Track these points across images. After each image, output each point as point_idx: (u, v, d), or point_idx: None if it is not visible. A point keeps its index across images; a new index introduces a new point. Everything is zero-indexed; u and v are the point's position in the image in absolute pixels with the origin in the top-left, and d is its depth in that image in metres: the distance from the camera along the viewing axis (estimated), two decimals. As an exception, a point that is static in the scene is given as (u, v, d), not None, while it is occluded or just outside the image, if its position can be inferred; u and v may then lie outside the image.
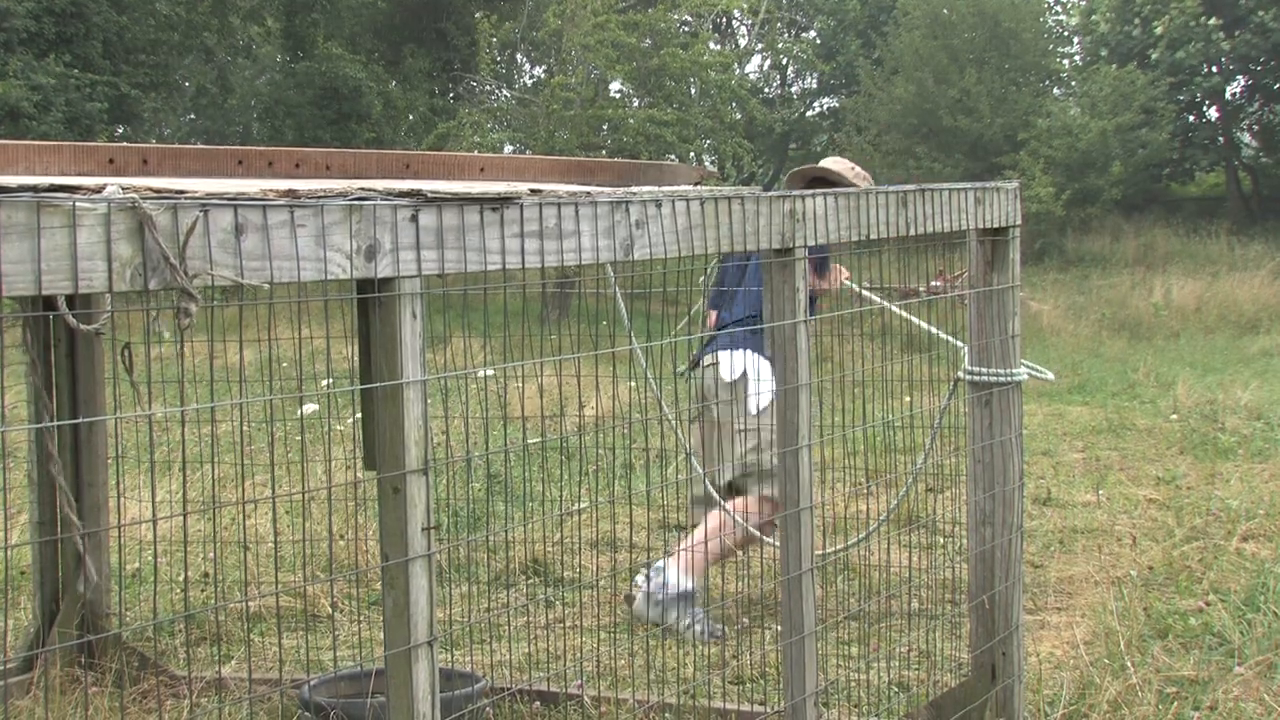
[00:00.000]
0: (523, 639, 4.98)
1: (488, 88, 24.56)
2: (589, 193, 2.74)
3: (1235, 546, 6.09)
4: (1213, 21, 25.96)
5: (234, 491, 6.48)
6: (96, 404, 4.51)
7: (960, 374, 4.08)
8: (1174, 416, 10.08)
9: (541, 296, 15.07)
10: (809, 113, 34.20)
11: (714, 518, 5.32)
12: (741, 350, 5.43)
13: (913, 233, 3.61)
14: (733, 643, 5.03)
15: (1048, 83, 27.98)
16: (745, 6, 25.19)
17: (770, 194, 3.13)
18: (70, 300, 3.90)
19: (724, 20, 31.20)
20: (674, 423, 5.57)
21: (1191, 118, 28.35)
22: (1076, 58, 29.62)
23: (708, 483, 5.26)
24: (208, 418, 6.25)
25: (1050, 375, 4.31)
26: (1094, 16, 28.02)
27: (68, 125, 18.69)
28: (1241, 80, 28.27)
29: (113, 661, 4.44)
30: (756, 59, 31.99)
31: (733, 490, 5.43)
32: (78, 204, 1.89)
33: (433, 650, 2.35)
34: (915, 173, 24.82)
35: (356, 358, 2.42)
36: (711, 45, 24.95)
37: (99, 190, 1.93)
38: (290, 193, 2.15)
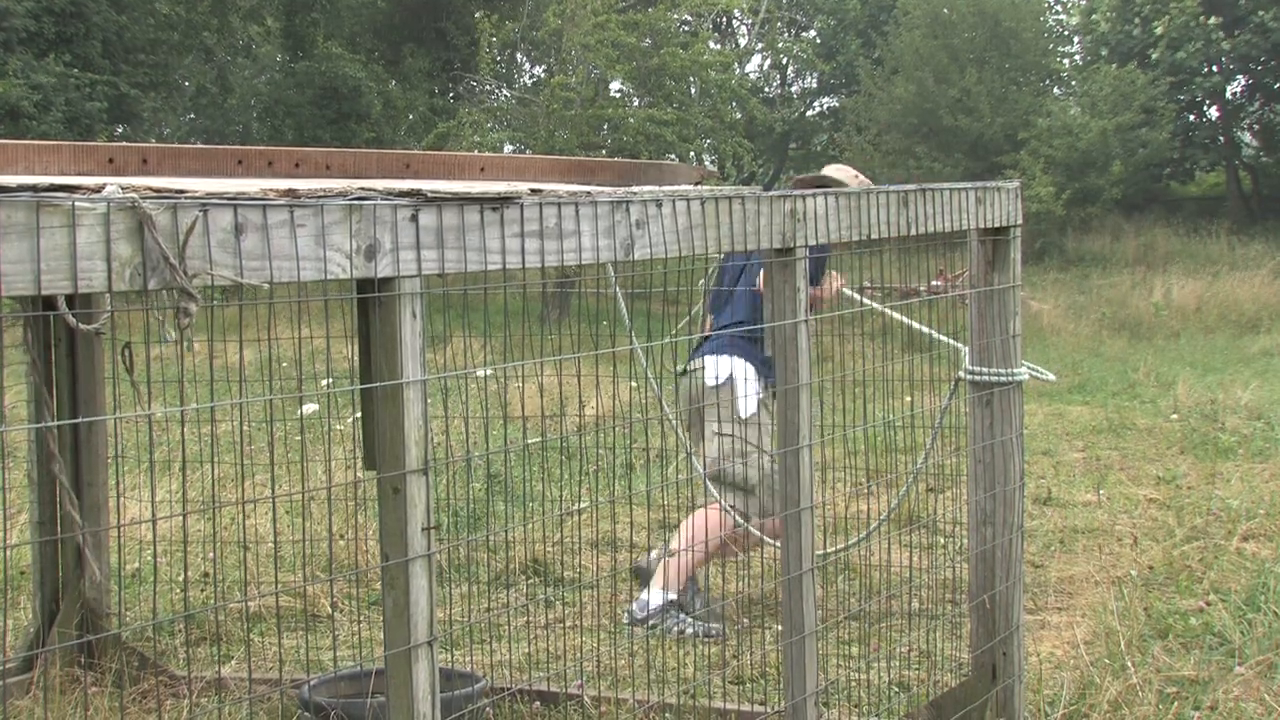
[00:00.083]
0: (523, 639, 4.98)
1: (488, 87, 24.55)
2: (589, 192, 2.74)
3: (1236, 546, 6.09)
4: (1213, 21, 25.94)
5: (234, 491, 6.48)
6: (96, 404, 4.51)
7: (961, 374, 4.08)
8: (1174, 416, 10.07)
9: (542, 296, 15.06)
10: (809, 112, 34.18)
11: (685, 527, 5.34)
12: (727, 356, 5.43)
13: (913, 232, 3.61)
14: (733, 643, 5.02)
15: (1048, 82, 27.96)
16: (745, 6, 25.17)
17: (771, 194, 3.12)
18: (70, 300, 3.89)
19: (724, 20, 31.20)
20: (674, 423, 5.57)
21: (1192, 117, 28.33)
22: (1077, 57, 29.61)
23: (708, 484, 5.26)
24: (208, 417, 6.24)
25: (1051, 377, 4.31)
26: (1094, 16, 28.00)
27: (67, 125, 18.68)
28: (1242, 80, 28.25)
29: (112, 661, 4.44)
30: (757, 58, 32.00)
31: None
32: (77, 203, 1.89)
33: (433, 650, 2.35)
34: (915, 172, 24.81)
35: (356, 357, 2.41)
36: (711, 45, 24.93)
37: (98, 190, 1.93)
38: (290, 192, 2.15)
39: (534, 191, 2.58)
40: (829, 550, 5.30)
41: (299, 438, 6.38)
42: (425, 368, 2.33)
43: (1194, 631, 4.93)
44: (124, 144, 3.04)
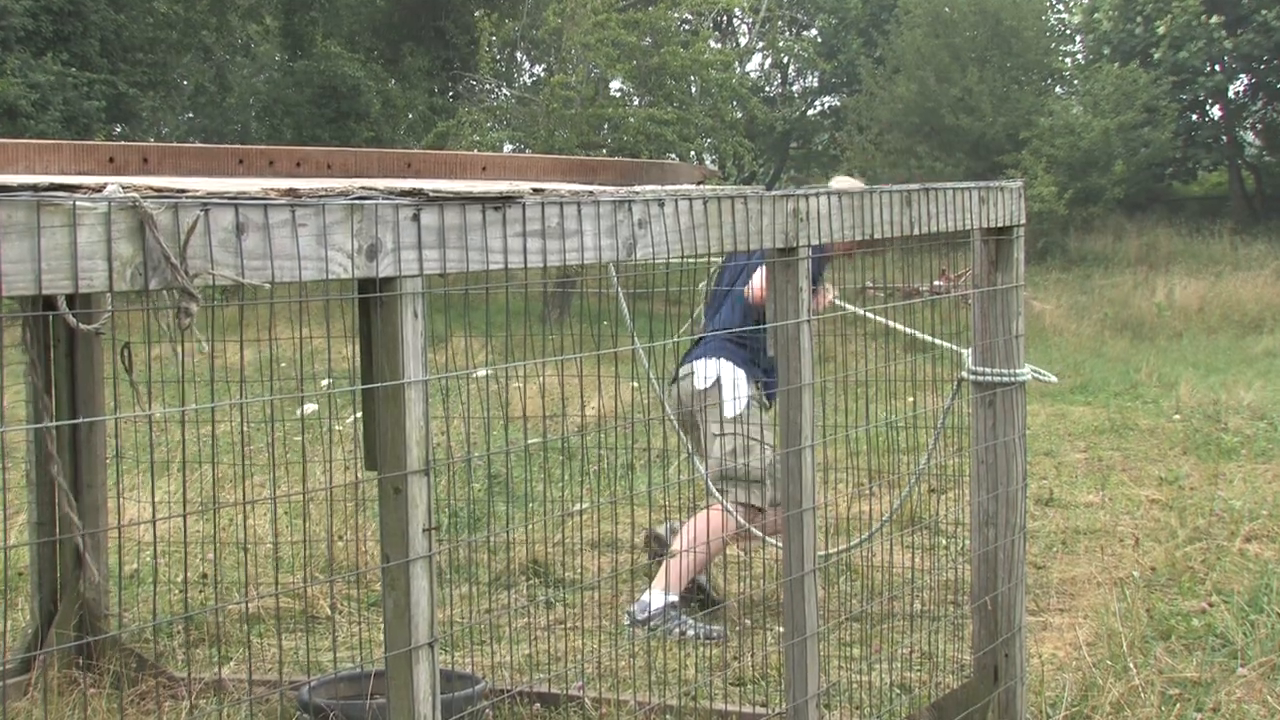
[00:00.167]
0: (523, 640, 4.96)
1: (487, 86, 24.54)
2: (591, 192, 2.73)
3: (1238, 547, 6.07)
4: (1215, 20, 25.93)
5: (233, 492, 6.47)
6: (96, 404, 4.49)
7: (964, 374, 4.06)
8: (1177, 417, 10.05)
9: (543, 296, 15.05)
10: (810, 111, 34.17)
11: (687, 529, 5.34)
12: (716, 359, 5.44)
13: (916, 232, 3.59)
14: (734, 644, 5.01)
15: (1050, 81, 27.95)
16: (746, 5, 25.15)
17: (774, 193, 3.11)
18: (70, 300, 3.88)
19: (725, 18, 31.18)
20: (675, 424, 5.56)
21: (1194, 117, 28.29)
22: (1079, 56, 29.59)
23: (711, 486, 5.26)
24: (207, 418, 6.23)
25: (1053, 378, 4.30)
26: (1096, 15, 27.98)
27: (65, 124, 18.66)
28: (1244, 79, 28.22)
29: (111, 663, 4.43)
30: (757, 57, 31.98)
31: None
32: (78, 203, 1.89)
33: (433, 651, 2.34)
34: (917, 172, 24.80)
35: (357, 357, 2.40)
36: (712, 44, 24.92)
37: (99, 189, 1.93)
38: (291, 192, 2.14)
39: (536, 191, 2.57)
40: (831, 551, 5.30)
41: (299, 438, 6.37)
42: (427, 368, 2.32)
43: (1196, 633, 4.92)
44: (124, 143, 3.03)
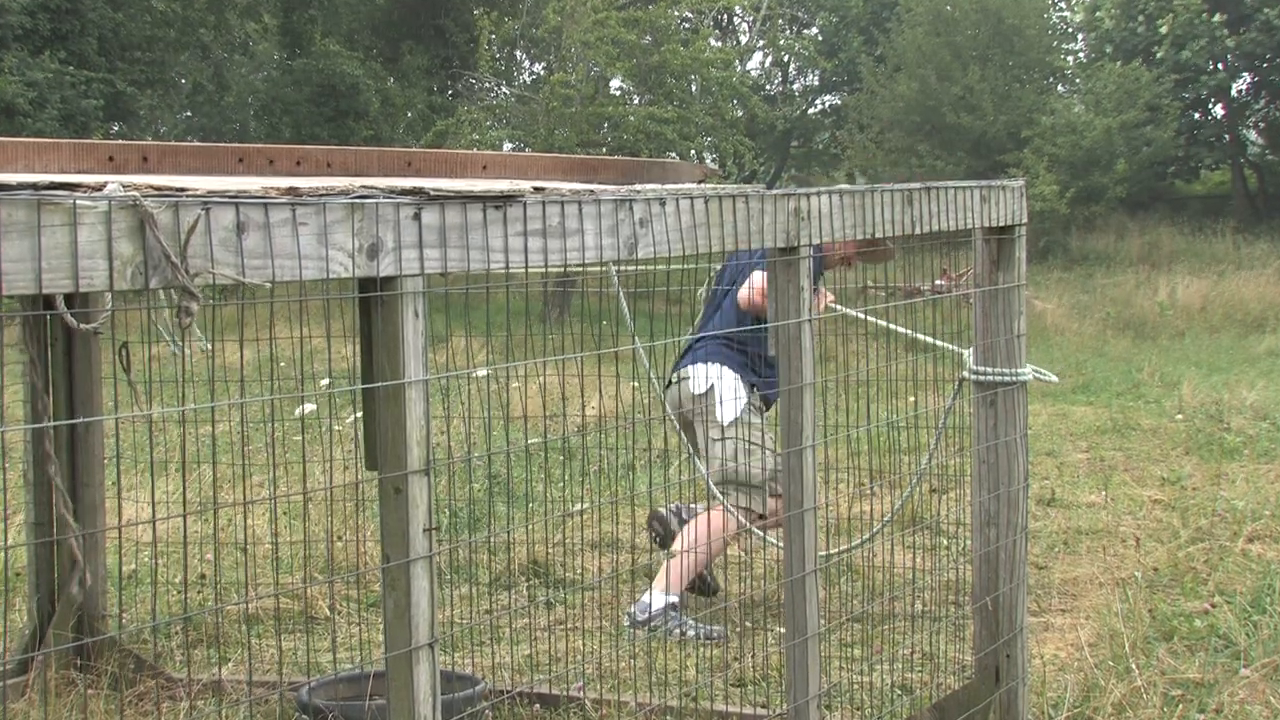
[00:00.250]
0: (523, 641, 4.95)
1: (487, 85, 24.53)
2: (592, 191, 2.71)
3: (1241, 548, 6.06)
4: (1217, 18, 25.91)
5: (232, 492, 6.45)
6: (94, 404, 4.48)
7: (965, 374, 4.05)
8: (1179, 417, 10.04)
9: (543, 295, 15.03)
10: (811, 110, 34.16)
11: (688, 530, 5.34)
12: (710, 364, 5.42)
13: (918, 231, 3.58)
14: (735, 645, 5.00)
15: (1052, 80, 27.93)
16: (747, 3, 25.14)
17: (775, 192, 3.10)
18: (69, 299, 3.87)
19: (725, 17, 31.16)
20: (676, 424, 5.55)
21: (1197, 115, 28.26)
22: (1081, 54, 29.57)
23: (713, 487, 5.25)
24: (206, 418, 6.22)
25: (1054, 379, 4.28)
26: (1098, 13, 27.96)
27: (63, 122, 18.65)
28: (1247, 77, 28.19)
29: (109, 664, 4.42)
30: (758, 56, 31.97)
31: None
32: (78, 202, 1.88)
33: (433, 652, 2.33)
34: (918, 171, 24.79)
35: (357, 357, 2.39)
36: (712, 42, 24.91)
37: (100, 188, 1.93)
38: (292, 190, 2.13)
39: (537, 190, 2.56)
40: (832, 552, 5.28)
41: (298, 438, 6.36)
42: (427, 367, 2.32)
43: (1199, 634, 4.90)
44: (124, 142, 3.03)
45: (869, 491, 6.49)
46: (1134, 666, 4.46)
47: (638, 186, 3.06)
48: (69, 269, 1.87)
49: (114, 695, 4.27)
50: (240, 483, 5.20)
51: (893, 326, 5.30)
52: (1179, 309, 18.66)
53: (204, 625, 5.04)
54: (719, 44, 27.48)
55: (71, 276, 1.87)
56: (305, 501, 5.45)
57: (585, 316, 6.43)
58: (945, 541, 6.20)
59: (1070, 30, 30.33)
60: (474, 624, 5.06)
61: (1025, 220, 4.02)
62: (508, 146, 22.68)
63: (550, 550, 5.94)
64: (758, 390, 5.46)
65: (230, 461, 6.35)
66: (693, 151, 21.62)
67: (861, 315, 5.35)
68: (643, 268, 5.09)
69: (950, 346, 4.79)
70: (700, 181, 3.92)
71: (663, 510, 5.70)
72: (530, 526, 6.04)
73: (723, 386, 5.36)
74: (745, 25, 32.00)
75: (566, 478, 6.67)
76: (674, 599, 5.22)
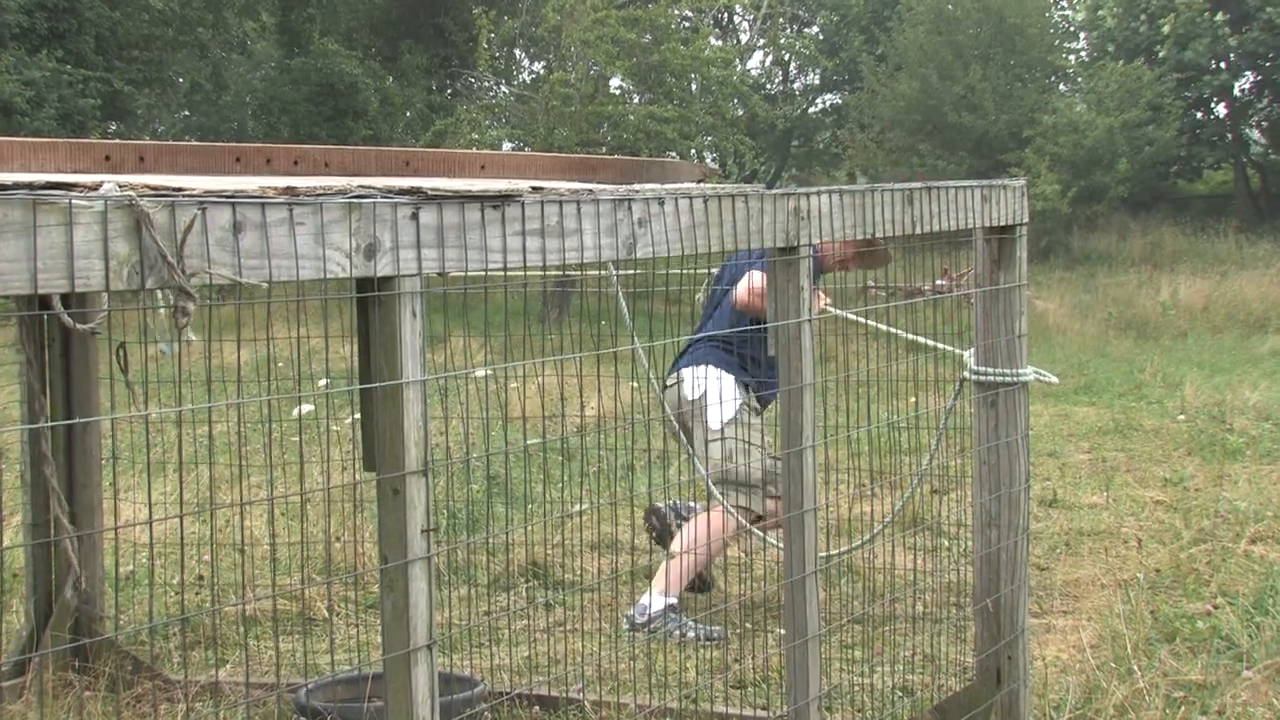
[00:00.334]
0: (522, 642, 4.94)
1: (486, 84, 24.52)
2: (591, 190, 2.70)
3: (1243, 549, 6.04)
4: (1220, 17, 25.90)
5: (230, 493, 6.44)
6: (91, 404, 4.47)
7: (966, 374, 4.03)
8: (1181, 417, 10.02)
9: (542, 296, 15.02)
10: (811, 109, 34.15)
11: (687, 531, 5.32)
12: (703, 366, 5.41)
13: (918, 231, 3.57)
14: (735, 646, 4.98)
15: (1053, 79, 27.92)
16: (747, 2, 25.12)
17: (774, 191, 3.08)
18: (65, 299, 3.85)
19: (725, 15, 31.15)
20: (675, 425, 5.53)
21: (1199, 114, 28.24)
22: (1083, 53, 29.55)
23: (711, 485, 5.23)
24: (204, 418, 6.20)
25: (1055, 379, 4.27)
26: (1100, 12, 27.95)
27: (60, 122, 18.66)
28: (1250, 76, 28.18)
29: (107, 665, 4.40)
30: (758, 55, 31.96)
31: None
32: (74, 202, 1.88)
33: (432, 654, 2.32)
34: (919, 170, 24.78)
35: (355, 357, 2.38)
36: (713, 41, 24.89)
37: (96, 188, 1.92)
38: (289, 190, 2.12)
39: (535, 189, 2.55)
40: (832, 553, 5.27)
41: (296, 439, 6.34)
42: (425, 368, 2.30)
43: (1201, 635, 4.89)
44: (120, 141, 3.02)
45: (869, 492, 6.47)
46: (1136, 668, 4.45)
47: (636, 186, 3.04)
48: (65, 269, 1.87)
49: (111, 697, 4.26)
50: (238, 483, 5.18)
51: (890, 329, 5.28)
52: (1181, 309, 18.63)
53: (202, 627, 5.03)
54: (719, 43, 27.46)
55: (67, 276, 1.87)
56: (303, 502, 5.44)
57: (584, 317, 6.42)
58: (946, 543, 6.18)
59: (1072, 29, 30.32)
60: (473, 625, 5.04)
61: (1026, 220, 4.01)
62: (507, 146, 22.68)
63: (549, 551, 5.92)
64: (752, 390, 5.45)
65: (228, 462, 6.33)
66: (693, 151, 21.61)
67: (855, 318, 5.33)
68: (643, 269, 5.07)
69: (946, 348, 4.78)
70: (700, 181, 3.91)
71: (661, 506, 5.69)
72: (529, 527, 6.03)
73: (715, 388, 5.35)
74: (746, 24, 32.01)
75: (566, 479, 6.65)
76: (673, 600, 5.20)
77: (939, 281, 4.81)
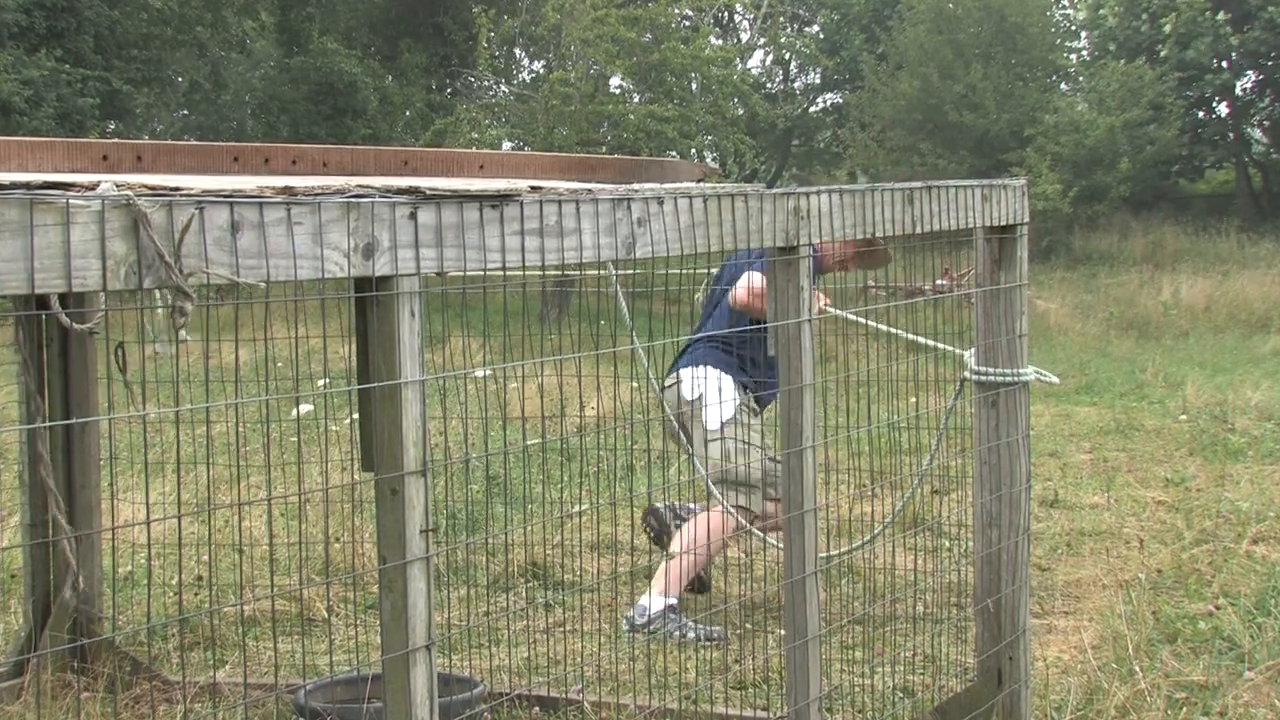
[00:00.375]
0: (522, 643, 4.93)
1: (486, 83, 24.51)
2: (590, 190, 2.69)
3: (1245, 549, 6.03)
4: (1221, 16, 25.88)
5: (228, 493, 6.43)
6: (89, 404, 4.46)
7: (967, 374, 4.02)
8: (1183, 417, 10.00)
9: (542, 295, 15.01)
10: (812, 108, 34.14)
11: (687, 531, 5.32)
12: (702, 367, 5.40)
13: (919, 230, 3.56)
14: (735, 647, 4.97)
15: (1055, 78, 27.91)
16: (747, 1, 25.10)
17: (774, 191, 3.07)
18: (63, 299, 3.84)
19: (726, 15, 31.14)
20: (675, 425, 5.53)
21: (1201, 114, 28.23)
22: (1084, 53, 29.54)
23: (711, 485, 5.23)
24: (202, 418, 6.19)
25: (1055, 380, 4.26)
26: (1101, 11, 27.94)
27: (59, 121, 18.65)
28: (1251, 75, 28.15)
29: (105, 666, 4.39)
30: (759, 54, 31.95)
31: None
32: (71, 201, 1.88)
33: (431, 654, 2.32)
34: (920, 169, 24.77)
35: (353, 357, 2.37)
36: (713, 40, 24.88)
37: (93, 187, 1.92)
38: (287, 190, 2.12)
39: (534, 189, 2.54)
40: (833, 553, 5.26)
41: (295, 439, 6.33)
42: (424, 368, 2.30)
43: (1203, 636, 4.88)
44: (118, 141, 3.02)
45: (870, 493, 6.46)
46: (1137, 669, 4.44)
47: (636, 186, 3.03)
48: (62, 269, 1.86)
49: (110, 698, 4.25)
50: (237, 484, 5.17)
51: (890, 329, 5.27)
52: (1183, 309, 18.62)
53: (200, 627, 5.02)
54: (719, 42, 27.46)
55: (64, 276, 1.86)
56: (302, 502, 5.43)
57: (584, 317, 6.40)
58: (947, 543, 6.17)
59: (1073, 28, 30.30)
60: (472, 626, 5.03)
61: (1027, 219, 4.00)
62: (507, 145, 22.67)
63: (549, 552, 5.91)
64: (750, 391, 5.44)
65: (227, 462, 6.32)
66: (693, 150, 21.61)
67: (855, 318, 5.32)
68: (642, 268, 5.06)
69: (947, 348, 4.76)
70: (699, 180, 3.90)
71: (659, 505, 5.68)
72: (529, 528, 6.02)
73: (714, 389, 5.34)
74: (746, 23, 32.00)
75: (565, 479, 6.64)
76: (672, 601, 5.19)
77: (939, 281, 4.80)
